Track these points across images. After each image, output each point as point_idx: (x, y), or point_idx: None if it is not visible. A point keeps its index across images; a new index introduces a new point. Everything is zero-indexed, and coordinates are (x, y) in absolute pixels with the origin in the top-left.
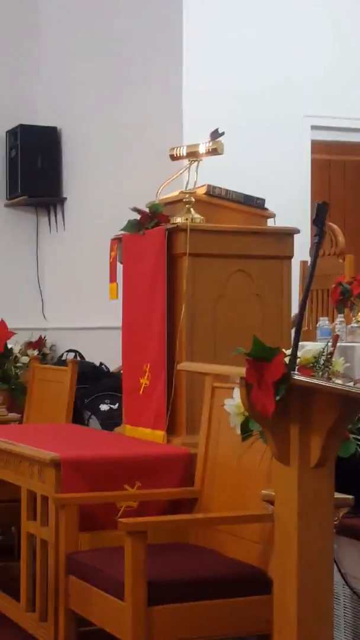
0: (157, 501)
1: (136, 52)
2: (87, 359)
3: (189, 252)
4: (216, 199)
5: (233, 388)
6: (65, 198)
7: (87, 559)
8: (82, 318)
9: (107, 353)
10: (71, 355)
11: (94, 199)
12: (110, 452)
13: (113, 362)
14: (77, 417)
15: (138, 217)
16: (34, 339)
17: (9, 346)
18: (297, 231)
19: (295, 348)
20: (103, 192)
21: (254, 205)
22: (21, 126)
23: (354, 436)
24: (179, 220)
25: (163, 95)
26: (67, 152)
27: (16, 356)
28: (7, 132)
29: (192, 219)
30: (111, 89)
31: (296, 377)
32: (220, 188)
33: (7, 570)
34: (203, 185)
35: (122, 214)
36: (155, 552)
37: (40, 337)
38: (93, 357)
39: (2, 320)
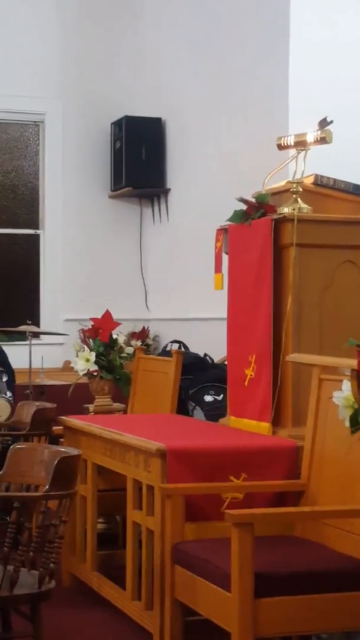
0: (263, 493)
1: (241, 41)
2: (191, 349)
3: (296, 243)
4: (324, 188)
5: (342, 380)
6: (169, 189)
7: (193, 549)
8: (186, 309)
9: (212, 344)
10: (175, 346)
11: (198, 189)
12: (215, 443)
13: (217, 353)
14: (182, 408)
15: (244, 207)
16: (137, 329)
17: (114, 336)
18: None
19: None
20: (207, 183)
21: None
22: (126, 117)
23: None
24: (286, 210)
25: (269, 83)
26: (171, 143)
27: (121, 346)
28: (112, 123)
29: (299, 209)
30: (216, 79)
31: None
32: (328, 177)
33: (112, 558)
34: (311, 175)
35: (226, 205)
36: (260, 544)
37: (144, 328)
38: (197, 348)
39: (107, 310)
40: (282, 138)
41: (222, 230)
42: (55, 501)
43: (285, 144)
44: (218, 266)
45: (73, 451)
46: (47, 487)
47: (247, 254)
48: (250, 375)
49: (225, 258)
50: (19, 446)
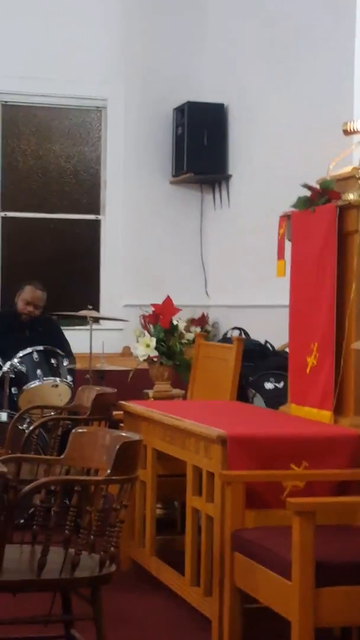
0: (324, 482)
1: (305, 26)
2: (252, 336)
3: None
4: None
5: None
6: (231, 175)
7: (253, 536)
8: (246, 295)
9: (272, 331)
10: (236, 332)
11: (260, 175)
12: (276, 430)
13: (277, 340)
14: (241, 395)
15: (308, 193)
16: (197, 316)
17: (174, 322)
18: None
19: None
20: (270, 169)
21: None
22: (188, 103)
23: None
24: (350, 197)
25: (334, 67)
26: (233, 128)
27: (181, 333)
28: (174, 109)
29: None
30: (280, 64)
31: None
32: None
33: (171, 543)
34: None
35: (289, 191)
36: (321, 534)
37: (203, 315)
38: (258, 335)
39: (168, 296)
40: (348, 123)
41: (285, 217)
42: (115, 485)
43: (352, 129)
44: (281, 253)
45: (134, 436)
46: (108, 471)
47: (310, 241)
48: (312, 363)
49: (288, 245)
50: (80, 430)
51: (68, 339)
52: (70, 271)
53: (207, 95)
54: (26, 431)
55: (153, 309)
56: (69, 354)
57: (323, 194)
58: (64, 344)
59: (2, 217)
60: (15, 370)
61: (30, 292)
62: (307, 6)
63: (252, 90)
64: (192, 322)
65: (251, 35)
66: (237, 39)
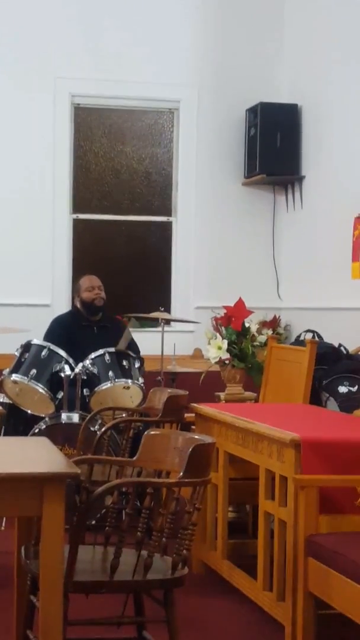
0: None
1: None
2: (325, 339)
3: None
4: None
5: None
6: (304, 176)
7: (327, 542)
8: (319, 298)
9: (346, 334)
10: (309, 335)
11: (334, 177)
12: (351, 434)
13: (352, 343)
14: (314, 399)
15: None
16: (268, 318)
17: (246, 325)
18: None
19: None
20: (344, 170)
21: None
22: (261, 104)
23: None
24: None
25: None
26: (307, 129)
27: (253, 335)
28: (246, 110)
29: None
30: (355, 64)
31: None
32: None
33: (243, 547)
34: None
35: None
36: None
37: (275, 317)
38: (331, 337)
39: (240, 298)
40: None
41: None
42: (187, 488)
43: None
44: (356, 255)
45: (207, 439)
46: (181, 473)
47: None
48: None
49: None
50: (153, 432)
51: (139, 341)
52: (142, 273)
53: (280, 96)
54: (98, 433)
55: (225, 310)
56: (137, 354)
57: None
58: (132, 344)
59: (74, 219)
60: (87, 371)
61: (88, 280)
62: None
63: (327, 90)
64: (263, 324)
65: (325, 36)
66: (312, 39)
